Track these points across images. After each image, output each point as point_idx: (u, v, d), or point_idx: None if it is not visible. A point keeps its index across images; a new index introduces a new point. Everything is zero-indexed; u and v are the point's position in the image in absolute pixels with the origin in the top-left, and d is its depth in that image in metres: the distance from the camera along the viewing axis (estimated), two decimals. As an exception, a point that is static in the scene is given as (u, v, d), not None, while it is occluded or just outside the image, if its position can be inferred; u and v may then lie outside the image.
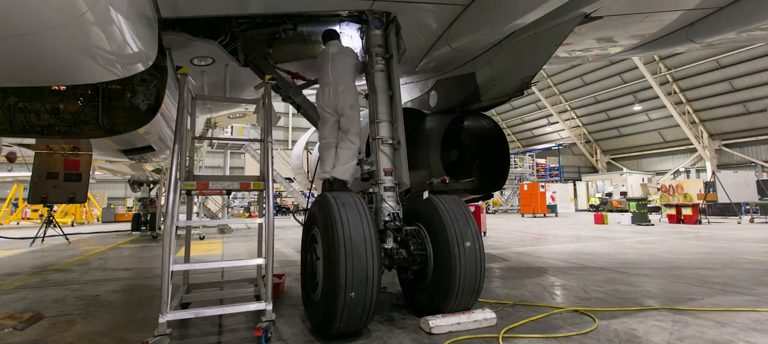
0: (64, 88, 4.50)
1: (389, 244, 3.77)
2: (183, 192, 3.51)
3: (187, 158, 4.02)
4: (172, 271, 3.06)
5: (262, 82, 4.26)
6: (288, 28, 4.60)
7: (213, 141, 18.62)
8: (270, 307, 3.22)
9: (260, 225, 4.58)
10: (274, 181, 3.72)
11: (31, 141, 5.13)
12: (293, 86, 4.82)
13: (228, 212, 24.78)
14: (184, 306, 3.98)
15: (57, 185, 6.37)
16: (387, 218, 3.91)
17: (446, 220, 3.69)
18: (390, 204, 3.96)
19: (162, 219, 14.38)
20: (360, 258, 3.16)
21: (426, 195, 4.11)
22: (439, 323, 3.43)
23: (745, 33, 5.22)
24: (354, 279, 3.11)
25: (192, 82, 4.09)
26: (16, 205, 24.61)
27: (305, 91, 5.02)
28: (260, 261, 3.41)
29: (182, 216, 4.15)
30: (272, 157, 3.68)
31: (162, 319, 2.93)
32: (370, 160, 4.18)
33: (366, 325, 3.42)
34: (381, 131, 4.18)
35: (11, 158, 6.68)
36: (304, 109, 4.69)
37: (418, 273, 3.90)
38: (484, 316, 3.61)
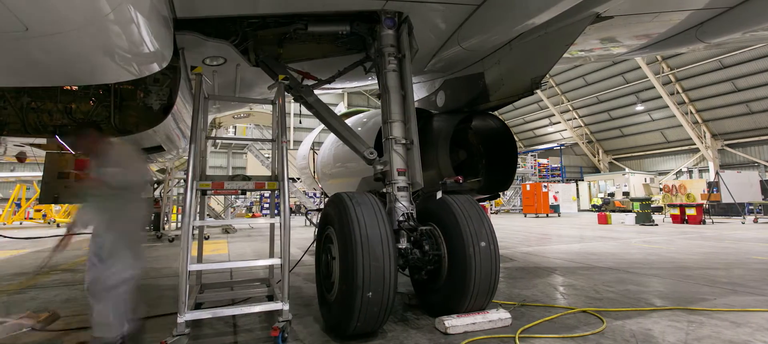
0: (77, 88, 4.52)
1: (403, 244, 3.77)
2: (198, 192, 3.52)
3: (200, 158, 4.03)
4: (189, 271, 3.06)
5: (275, 82, 4.27)
6: (299, 27, 4.60)
7: (216, 141, 18.67)
8: (287, 307, 3.23)
9: (272, 225, 4.60)
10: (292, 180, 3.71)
11: (43, 141, 5.15)
12: (304, 86, 4.82)
13: (231, 212, 24.79)
14: (198, 306, 3.99)
15: (68, 185, 6.38)
16: (401, 218, 3.91)
17: (461, 220, 3.69)
18: (404, 204, 3.96)
19: (166, 219, 14.40)
20: (377, 258, 3.16)
21: (439, 195, 4.11)
22: (454, 323, 3.44)
23: (752, 33, 5.22)
24: (371, 278, 3.11)
25: (207, 81, 4.09)
26: (19, 205, 24.63)
27: (316, 91, 5.01)
28: (276, 261, 3.41)
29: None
30: (286, 157, 3.68)
31: (181, 319, 2.93)
32: (383, 160, 4.17)
33: (382, 325, 3.42)
34: (394, 131, 4.18)
35: (21, 158, 6.69)
36: (316, 108, 4.68)
37: (432, 273, 3.89)
38: (498, 316, 3.61)
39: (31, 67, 2.38)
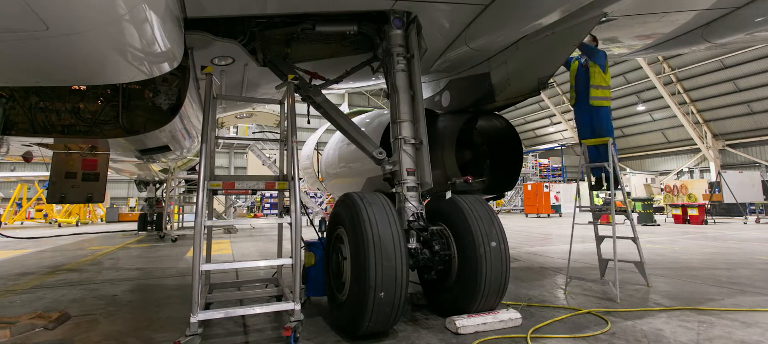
0: (85, 87, 4.52)
1: (413, 244, 3.77)
2: (209, 192, 3.52)
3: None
4: (201, 271, 3.06)
5: (284, 82, 4.27)
6: (307, 27, 4.60)
7: (219, 141, 18.70)
8: (298, 307, 3.22)
9: (280, 225, 4.60)
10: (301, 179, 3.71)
11: (50, 140, 5.16)
12: (313, 86, 4.82)
13: (232, 212, 24.80)
14: (207, 306, 3.98)
15: (75, 185, 6.40)
16: (411, 218, 3.91)
17: (471, 220, 3.69)
18: (413, 204, 3.96)
19: (168, 219, 14.40)
20: (389, 258, 3.16)
21: (448, 195, 4.11)
22: (465, 323, 3.43)
23: (758, 33, 5.23)
24: (383, 278, 3.11)
25: (216, 81, 4.09)
26: (20, 205, 24.63)
27: (324, 91, 5.01)
28: (287, 261, 3.40)
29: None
30: (297, 157, 3.67)
31: (193, 319, 2.93)
32: (393, 160, 4.17)
33: (393, 325, 3.42)
34: (403, 131, 4.17)
35: (28, 158, 6.70)
36: (324, 108, 4.68)
37: (441, 273, 3.89)
38: (509, 316, 3.60)
39: (49, 67, 2.38)
